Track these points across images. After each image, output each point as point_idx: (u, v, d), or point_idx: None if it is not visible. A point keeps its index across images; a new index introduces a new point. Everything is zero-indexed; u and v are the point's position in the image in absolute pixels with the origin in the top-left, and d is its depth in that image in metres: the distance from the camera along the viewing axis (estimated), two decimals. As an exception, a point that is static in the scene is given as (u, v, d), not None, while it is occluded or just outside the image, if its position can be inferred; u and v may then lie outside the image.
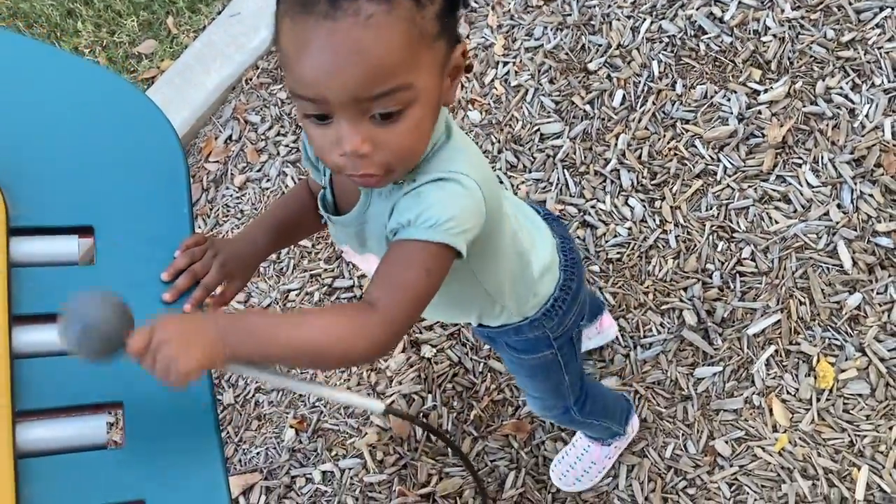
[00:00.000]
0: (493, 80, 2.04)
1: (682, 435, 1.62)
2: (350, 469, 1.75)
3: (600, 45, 1.97)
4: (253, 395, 1.90)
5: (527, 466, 1.68)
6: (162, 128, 1.11)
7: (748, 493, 1.55)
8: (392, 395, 1.80)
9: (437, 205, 0.81)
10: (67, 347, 0.76)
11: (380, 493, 1.71)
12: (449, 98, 0.83)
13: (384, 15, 0.71)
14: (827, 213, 1.67)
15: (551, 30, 2.03)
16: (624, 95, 1.91)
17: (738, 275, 1.68)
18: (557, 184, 1.88)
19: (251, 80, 2.34)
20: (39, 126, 1.04)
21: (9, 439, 0.85)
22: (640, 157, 1.84)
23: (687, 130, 1.83)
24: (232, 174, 2.21)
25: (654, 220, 1.78)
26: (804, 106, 1.76)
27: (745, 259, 1.69)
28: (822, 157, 1.71)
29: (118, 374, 0.93)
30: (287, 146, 2.19)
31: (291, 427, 1.83)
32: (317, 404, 1.84)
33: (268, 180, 2.16)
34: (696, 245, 1.73)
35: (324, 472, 1.77)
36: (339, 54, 0.72)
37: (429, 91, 0.78)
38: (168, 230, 1.04)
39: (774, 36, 1.84)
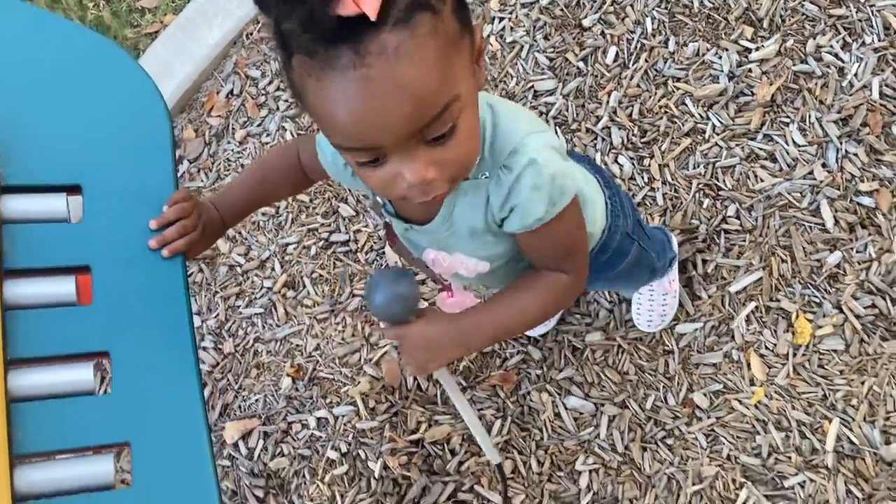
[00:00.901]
0: (488, 36, 2.05)
1: (663, 388, 1.67)
2: (343, 416, 1.82)
3: (595, 1, 1.97)
4: (252, 345, 1.97)
5: (513, 415, 1.74)
6: (149, 91, 1.15)
7: (724, 444, 1.60)
8: (385, 346, 1.86)
9: (546, 173, 0.86)
10: (376, 306, 0.98)
11: (371, 439, 1.79)
12: (481, 81, 0.80)
13: (409, 40, 0.67)
14: (811, 173, 1.68)
15: (547, -15, 2.03)
16: (617, 52, 1.92)
17: (723, 232, 1.71)
18: (549, 141, 1.90)
19: (251, 34, 2.36)
20: (31, 89, 1.08)
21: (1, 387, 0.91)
22: (630, 114, 1.86)
23: (678, 88, 1.84)
24: (233, 129, 2.25)
25: (643, 177, 1.81)
26: (794, 64, 1.76)
27: (729, 217, 1.71)
28: (810, 116, 1.72)
29: (105, 325, 1.01)
30: (286, 101, 2.22)
31: (289, 375, 1.90)
32: (313, 354, 1.91)
33: (267, 135, 2.20)
34: (682, 202, 1.76)
35: (318, 419, 1.84)
36: (381, 98, 0.68)
37: (470, 92, 0.76)
38: (153, 189, 1.09)
39: (767, -7, 1.83)
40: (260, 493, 1.83)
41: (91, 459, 0.94)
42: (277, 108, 2.22)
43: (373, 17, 0.64)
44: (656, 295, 1.64)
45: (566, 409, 1.72)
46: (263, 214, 2.10)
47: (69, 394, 0.96)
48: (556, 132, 1.90)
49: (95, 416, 0.96)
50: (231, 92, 2.31)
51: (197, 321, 2.04)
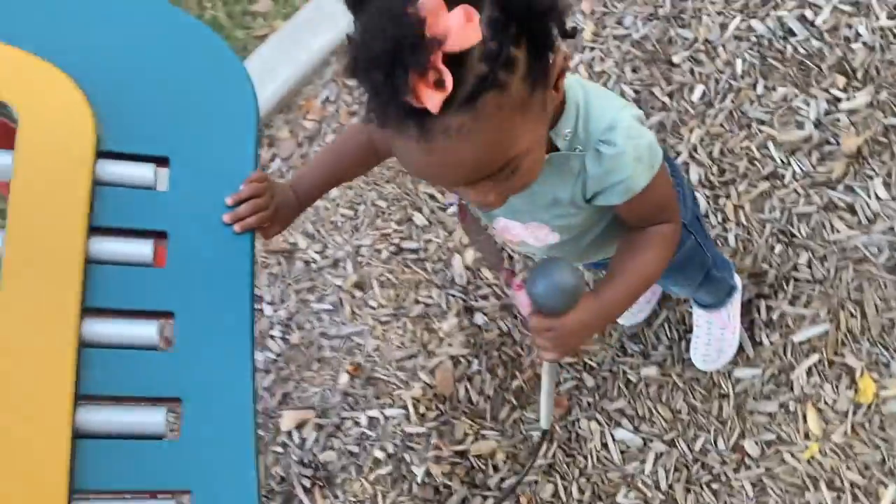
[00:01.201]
0: (577, 65, 2.08)
1: (714, 430, 1.65)
2: (394, 418, 1.87)
3: (687, 39, 1.98)
4: (317, 339, 2.04)
5: (560, 440, 1.75)
6: (241, 78, 1.23)
7: (771, 496, 1.56)
8: (441, 355, 1.90)
9: (643, 144, 0.94)
10: (539, 293, 0.95)
11: (418, 444, 1.82)
12: (558, 99, 0.86)
13: (472, 121, 0.72)
14: (892, 228, 1.64)
15: (641, 20, 2.05)
16: (704, 91, 1.92)
17: (792, 280, 1.68)
18: (626, 172, 1.91)
19: (353, 45, 2.46)
20: (133, 66, 1.18)
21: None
22: (710, 153, 1.85)
23: (762, 131, 1.82)
24: (325, 133, 2.35)
25: (717, 216, 1.80)
26: (885, 117, 1.73)
27: (801, 265, 1.68)
28: (896, 172, 1.68)
29: (173, 288, 1.08)
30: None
31: (347, 372, 1.96)
32: (372, 354, 1.96)
33: (356, 142, 2.28)
34: (754, 246, 1.74)
35: (370, 418, 1.89)
36: (442, 167, 0.78)
37: (536, 138, 0.82)
38: (234, 168, 1.16)
39: (864, 44, 1.80)
40: (307, 483, 1.88)
41: (146, 409, 1.01)
42: (368, 117, 2.30)
43: (435, 111, 0.70)
44: (714, 328, 1.62)
45: (614, 440, 1.71)
46: (342, 216, 2.18)
47: (134, 346, 1.03)
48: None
49: (154, 372, 1.02)
50: (328, 98, 2.42)
51: (269, 310, 2.13)
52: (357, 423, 1.90)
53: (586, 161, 0.94)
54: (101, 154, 1.12)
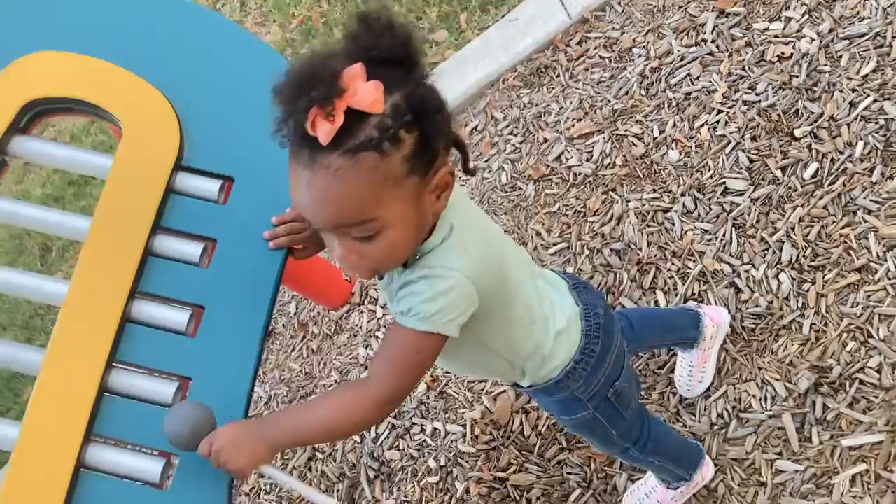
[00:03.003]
0: (702, 125, 2.07)
1: (745, 516, 1.61)
2: (452, 434, 2.00)
3: (814, 113, 1.90)
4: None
5: (595, 490, 1.79)
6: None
7: None
8: (500, 392, 2.00)
9: (427, 301, 0.97)
10: (166, 434, 1.09)
11: (466, 462, 1.94)
12: (438, 208, 0.96)
13: (350, 168, 0.85)
14: (979, 349, 1.50)
15: (773, 88, 2.00)
16: (817, 169, 1.84)
17: (857, 381, 1.59)
18: (722, 239, 1.89)
19: (507, 80, 2.61)
20: (218, 92, 1.43)
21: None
22: (807, 235, 1.78)
23: (865, 220, 1.72)
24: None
25: (797, 301, 1.73)
26: None
27: (869, 368, 1.58)
28: None
29: (209, 284, 1.31)
30: (514, 145, 2.43)
31: (426, 383, 2.12)
32: (449, 371, 2.10)
33: (489, 171, 2.43)
34: (826, 337, 1.66)
35: (434, 429, 2.04)
36: (316, 198, 0.89)
37: (400, 217, 0.91)
38: (286, 192, 1.37)
39: None
40: (371, 475, 2.08)
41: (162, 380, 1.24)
42: (504, 150, 2.44)
43: (324, 143, 0.84)
44: (654, 495, 1.65)
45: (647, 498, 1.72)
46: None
47: (165, 328, 1.27)
48: (732, 234, 1.88)
49: (176, 350, 1.26)
50: (476, 127, 2.58)
51: (380, 312, 2.35)
52: (423, 430, 2.06)
53: (402, 273, 1.01)
54: (180, 167, 1.38)
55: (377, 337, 2.31)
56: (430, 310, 0.98)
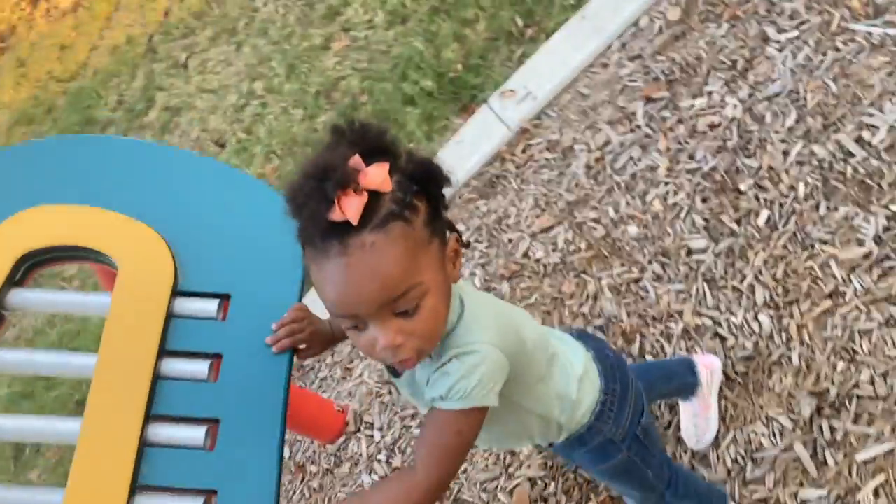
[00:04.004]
0: (653, 199, 2.21)
1: (782, 555, 1.60)
2: (474, 537, 1.96)
3: (753, 167, 2.06)
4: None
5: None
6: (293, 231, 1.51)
7: None
8: (519, 477, 1.99)
9: (463, 379, 1.00)
10: None
11: (494, 562, 1.90)
12: (454, 277, 1.02)
13: (383, 239, 0.90)
14: (958, 342, 1.58)
15: (710, 153, 2.16)
16: (769, 215, 1.97)
17: (855, 397, 1.64)
18: (697, 295, 1.98)
19: (463, 195, 2.74)
20: (210, 222, 1.50)
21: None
22: (775, 274, 1.88)
23: (824, 251, 1.83)
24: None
25: (782, 336, 1.80)
26: (946, 230, 1.69)
27: (863, 382, 1.64)
28: (961, 284, 1.63)
29: (220, 395, 1.33)
30: (481, 251, 2.53)
31: (438, 493, 2.09)
32: (460, 476, 2.09)
33: (462, 280, 2.50)
34: (817, 363, 1.72)
35: (454, 536, 2.00)
36: (358, 280, 0.90)
37: (436, 282, 0.96)
38: (282, 301, 1.42)
39: (921, 159, 1.79)
40: None
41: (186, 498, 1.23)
42: (473, 258, 2.53)
43: (354, 222, 0.89)
44: None
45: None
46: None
47: (184, 446, 1.28)
48: (705, 289, 1.96)
49: (196, 465, 1.26)
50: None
51: (378, 436, 2.34)
52: (444, 541, 2.01)
53: (429, 361, 1.04)
54: (178, 292, 1.42)
55: (379, 461, 2.29)
56: (468, 386, 1.00)
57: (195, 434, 1.29)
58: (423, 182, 0.95)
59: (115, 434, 1.26)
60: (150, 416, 1.29)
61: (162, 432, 1.28)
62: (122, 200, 1.52)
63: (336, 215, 0.88)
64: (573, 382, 1.25)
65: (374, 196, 0.90)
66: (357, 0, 3.57)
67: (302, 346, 1.37)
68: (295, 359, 1.37)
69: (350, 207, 0.88)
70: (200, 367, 1.35)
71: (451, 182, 0.99)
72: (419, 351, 0.99)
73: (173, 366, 1.35)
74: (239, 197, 1.56)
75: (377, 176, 0.90)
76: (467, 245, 1.11)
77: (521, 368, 1.11)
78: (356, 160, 0.91)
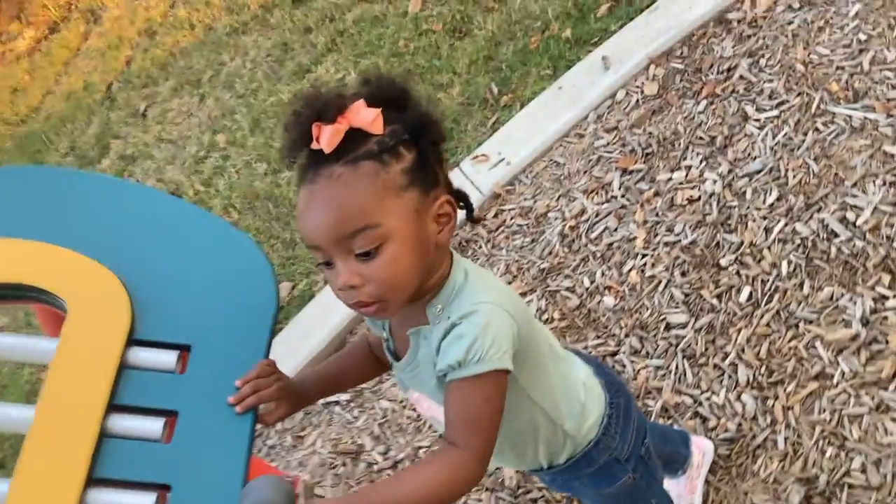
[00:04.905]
0: (630, 270, 2.15)
1: None
2: None
3: (734, 243, 2.02)
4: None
5: None
6: (266, 278, 1.39)
7: None
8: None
9: (477, 339, 0.95)
10: None
11: None
12: (441, 240, 0.99)
13: (350, 173, 0.92)
14: (952, 431, 1.52)
15: (690, 227, 2.12)
16: (751, 292, 1.92)
17: (846, 486, 1.56)
18: (676, 372, 1.90)
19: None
20: (171, 266, 1.37)
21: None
22: (758, 353, 1.82)
23: (809, 331, 1.78)
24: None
25: (766, 419, 1.73)
26: (935, 315, 1.66)
27: (854, 470, 1.57)
28: (952, 370, 1.58)
29: (174, 460, 1.18)
30: (447, 318, 2.43)
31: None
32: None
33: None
34: (804, 449, 1.65)
35: None
36: (318, 207, 0.94)
37: (402, 231, 0.94)
38: (248, 355, 1.30)
39: (908, 242, 1.78)
40: None
41: None
42: (438, 324, 2.43)
43: (326, 150, 0.92)
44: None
45: None
46: (407, 417, 2.25)
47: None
48: (684, 365, 1.89)
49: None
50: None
51: (330, 511, 2.17)
52: None
53: (433, 331, 1.00)
54: (134, 341, 1.29)
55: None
56: (484, 346, 0.95)
57: (143, 501, 1.15)
58: (416, 132, 0.97)
59: (51, 498, 1.11)
60: (92, 480, 1.14)
61: (104, 499, 1.13)
62: (77, 237, 1.39)
63: (314, 144, 0.93)
64: (579, 385, 1.20)
65: (361, 135, 0.93)
66: (328, 59, 3.53)
67: (268, 406, 1.25)
68: (260, 422, 1.25)
69: (325, 136, 0.92)
70: (153, 426, 1.21)
71: (444, 138, 1.01)
72: (379, 298, 0.97)
73: (123, 422, 1.21)
74: (206, 239, 1.44)
75: (366, 115, 0.93)
76: (469, 210, 1.08)
77: (528, 349, 1.06)
78: (358, 102, 0.94)
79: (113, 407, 1.21)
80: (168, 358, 1.28)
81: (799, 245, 1.93)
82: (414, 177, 0.95)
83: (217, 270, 1.40)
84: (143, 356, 1.28)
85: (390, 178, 0.94)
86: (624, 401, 1.26)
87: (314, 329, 2.60)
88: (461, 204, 1.05)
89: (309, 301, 2.73)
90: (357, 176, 0.92)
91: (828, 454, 1.62)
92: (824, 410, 1.67)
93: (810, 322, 1.80)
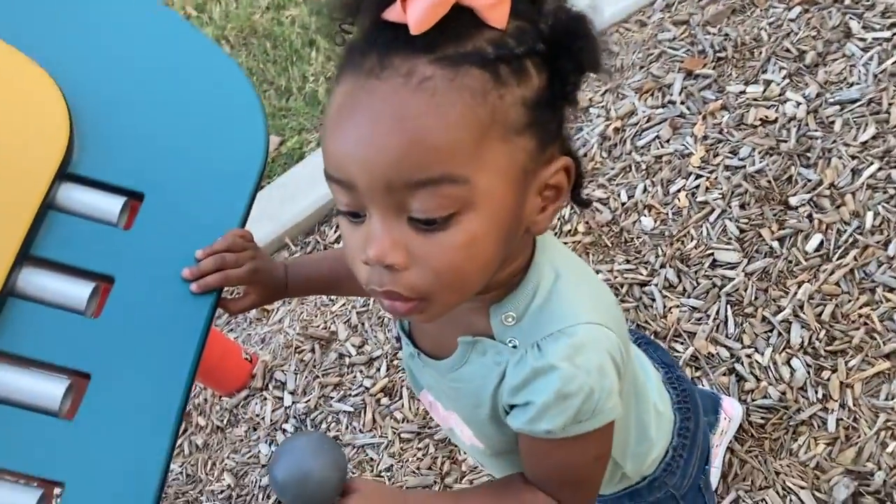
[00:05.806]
0: (678, 191, 1.83)
1: None
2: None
3: (810, 181, 1.70)
4: (330, 443, 1.80)
5: None
6: (255, 121, 1.06)
7: None
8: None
9: (593, 393, 0.67)
10: (273, 487, 0.70)
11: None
12: (539, 224, 0.65)
13: (444, 81, 0.55)
14: None
15: (759, 152, 1.79)
16: (822, 241, 1.62)
17: (904, 490, 1.32)
18: (716, 318, 1.62)
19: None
20: (129, 83, 1.03)
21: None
22: (820, 314, 1.54)
23: (888, 299, 1.50)
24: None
25: (817, 392, 1.46)
26: None
27: (919, 474, 1.32)
28: None
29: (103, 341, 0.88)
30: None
31: (351, 489, 1.70)
32: (383, 474, 1.70)
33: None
34: (860, 437, 1.39)
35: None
36: (376, 119, 0.56)
37: (495, 198, 0.59)
38: (218, 217, 0.98)
39: None
40: None
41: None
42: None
43: (413, 30, 0.55)
44: None
45: None
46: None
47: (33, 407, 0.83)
48: (727, 313, 1.61)
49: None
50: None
51: (288, 400, 1.92)
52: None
53: (509, 360, 0.70)
54: (69, 176, 0.96)
55: (284, 430, 1.87)
56: (601, 398, 0.67)
57: (52, 390, 0.85)
58: (557, 45, 0.59)
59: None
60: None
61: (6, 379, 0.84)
62: (10, 24, 1.04)
63: (394, 14, 0.56)
64: (650, 414, 0.90)
65: (472, 22, 0.57)
66: None
67: (233, 291, 0.95)
68: (220, 307, 0.94)
69: (417, 5, 0.54)
70: (79, 291, 0.91)
71: (599, 67, 0.62)
72: (422, 295, 0.62)
73: (36, 281, 0.90)
74: (184, 59, 1.09)
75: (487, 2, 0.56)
76: (587, 204, 0.73)
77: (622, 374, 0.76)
78: None
79: (26, 258, 0.90)
80: (111, 205, 0.97)
81: (892, 196, 1.62)
82: (536, 116, 0.59)
83: (193, 102, 1.06)
84: (77, 197, 0.97)
85: (504, 107, 0.58)
86: (693, 424, 0.97)
87: (298, 194, 2.28)
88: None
89: (298, 162, 2.40)
90: (454, 88, 0.56)
91: (890, 449, 1.36)
92: (893, 397, 1.41)
93: (891, 289, 1.51)
